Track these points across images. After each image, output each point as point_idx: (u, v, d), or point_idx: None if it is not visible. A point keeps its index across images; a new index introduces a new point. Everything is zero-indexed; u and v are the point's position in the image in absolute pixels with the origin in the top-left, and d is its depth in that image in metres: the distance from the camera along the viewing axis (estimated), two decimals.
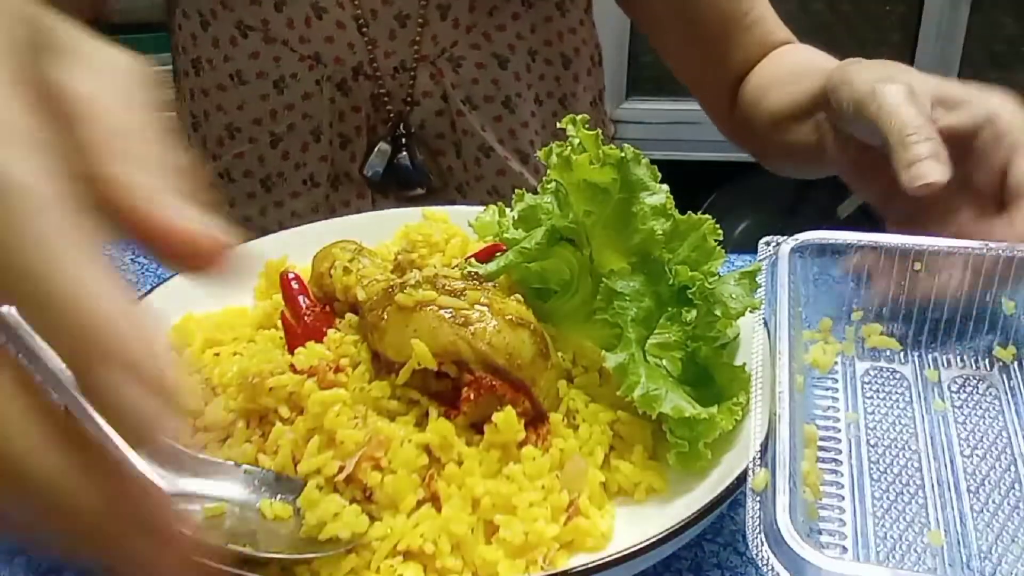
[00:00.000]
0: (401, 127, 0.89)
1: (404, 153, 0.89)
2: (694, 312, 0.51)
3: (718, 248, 0.53)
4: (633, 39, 1.97)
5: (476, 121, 0.90)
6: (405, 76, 0.87)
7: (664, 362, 0.52)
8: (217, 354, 0.57)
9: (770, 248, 0.52)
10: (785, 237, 0.53)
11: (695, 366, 0.52)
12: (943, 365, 0.51)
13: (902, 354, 0.51)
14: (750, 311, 0.51)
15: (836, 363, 0.52)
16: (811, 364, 0.51)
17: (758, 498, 0.39)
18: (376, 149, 0.89)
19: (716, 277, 0.52)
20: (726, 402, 0.49)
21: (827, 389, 0.50)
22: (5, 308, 0.53)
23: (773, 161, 0.92)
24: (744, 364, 0.51)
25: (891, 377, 0.51)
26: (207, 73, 0.88)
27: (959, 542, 0.43)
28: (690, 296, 0.51)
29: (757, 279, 0.52)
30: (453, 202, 0.91)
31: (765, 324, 0.48)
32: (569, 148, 0.52)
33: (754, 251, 0.56)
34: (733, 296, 0.51)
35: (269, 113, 0.88)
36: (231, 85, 0.87)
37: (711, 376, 0.52)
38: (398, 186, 0.90)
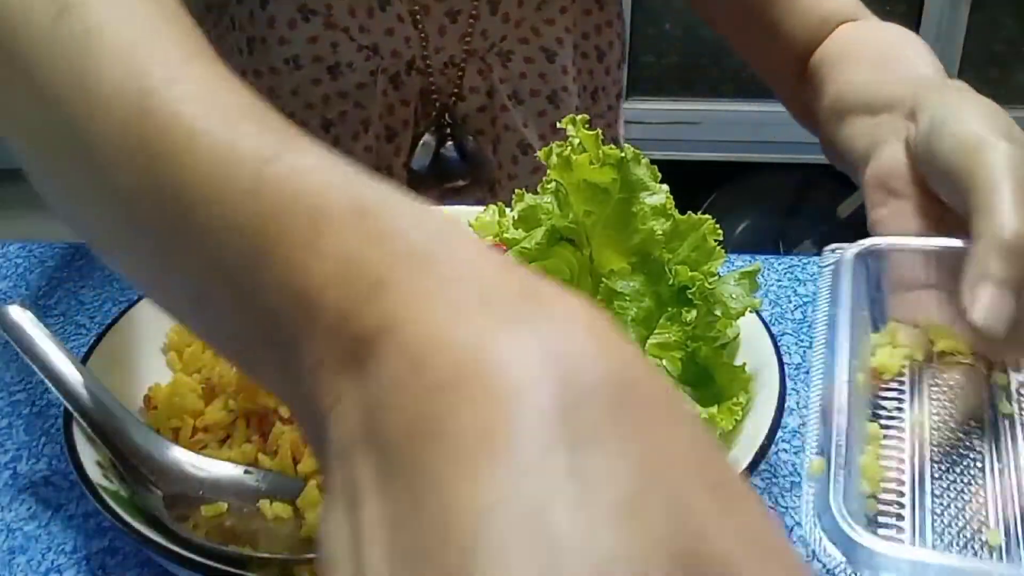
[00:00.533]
0: (447, 117, 0.89)
1: (450, 143, 0.89)
2: (694, 312, 0.51)
3: (718, 248, 0.53)
4: (633, 39, 1.97)
5: (519, 117, 0.90)
6: (454, 71, 0.87)
7: (664, 362, 0.52)
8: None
9: (835, 254, 0.51)
10: (851, 244, 0.52)
11: (695, 366, 0.52)
12: (1013, 369, 0.50)
13: (971, 358, 0.50)
14: (750, 311, 0.52)
15: (904, 366, 0.51)
16: (878, 367, 0.50)
17: (813, 484, 0.39)
18: (421, 143, 0.89)
19: (716, 277, 0.52)
20: (726, 402, 0.49)
21: (893, 391, 0.50)
22: (5, 308, 0.53)
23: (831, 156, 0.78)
24: (744, 364, 0.51)
25: (959, 380, 0.50)
26: (260, 53, 0.88)
27: (1018, 543, 0.43)
28: (690, 296, 0.51)
29: (756, 279, 0.52)
30: (482, 201, 0.87)
31: (828, 325, 0.47)
32: (569, 148, 0.52)
33: (754, 251, 0.56)
34: (733, 296, 0.51)
35: (321, 98, 0.88)
36: (286, 70, 0.87)
37: (711, 376, 0.52)
38: (439, 178, 0.90)
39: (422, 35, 0.86)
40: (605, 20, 0.94)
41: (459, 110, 0.89)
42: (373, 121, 0.88)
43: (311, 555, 0.44)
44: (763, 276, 0.68)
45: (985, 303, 0.44)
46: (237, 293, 0.29)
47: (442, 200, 0.91)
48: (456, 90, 0.88)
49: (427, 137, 0.89)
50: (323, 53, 0.86)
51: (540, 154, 0.54)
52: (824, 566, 0.48)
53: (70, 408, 0.48)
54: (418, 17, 0.85)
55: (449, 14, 0.86)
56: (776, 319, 0.69)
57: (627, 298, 0.51)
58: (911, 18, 1.95)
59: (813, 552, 0.48)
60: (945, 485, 0.45)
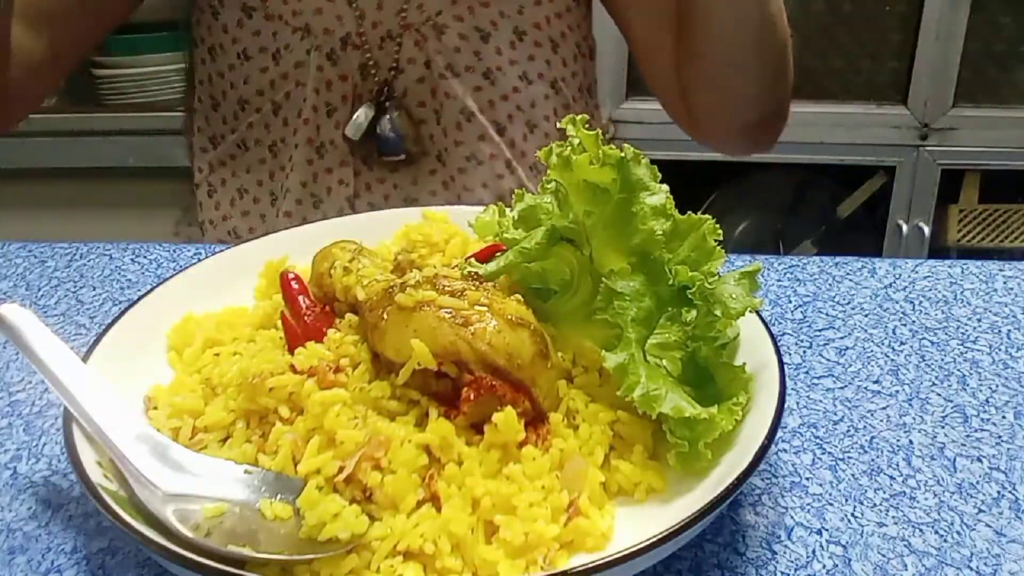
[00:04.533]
0: (385, 91, 0.94)
1: (387, 117, 0.93)
2: (694, 312, 0.51)
3: (718, 248, 0.53)
4: None
5: (457, 87, 0.94)
6: (391, 44, 0.92)
7: (664, 362, 0.52)
8: (217, 354, 0.57)
9: None
10: None
11: (695, 366, 0.52)
12: None
13: None
14: (750, 311, 0.52)
15: None
16: None
17: None
18: (355, 115, 0.94)
19: (716, 277, 0.52)
20: (726, 402, 0.49)
21: None
22: (5, 308, 0.53)
23: (709, 72, 0.90)
24: (744, 364, 0.51)
25: None
26: (220, 57, 0.96)
27: None
28: (690, 296, 0.51)
29: (756, 279, 0.52)
30: (433, 172, 0.97)
31: None
32: (569, 148, 0.52)
33: (754, 251, 0.56)
34: (733, 296, 0.51)
35: (269, 84, 0.95)
36: (238, 63, 0.95)
37: (711, 376, 0.52)
38: (379, 152, 0.95)
39: (357, 11, 0.91)
40: (554, 11, 0.97)
41: (399, 83, 0.94)
42: (309, 95, 0.93)
43: (311, 555, 0.44)
44: (763, 276, 0.68)
45: None
46: None
47: (392, 172, 0.96)
48: (395, 63, 0.93)
49: (362, 109, 0.93)
50: (266, 43, 0.93)
51: (540, 154, 0.54)
52: (823, 566, 0.48)
53: (70, 408, 0.48)
54: None
55: None
56: (776, 319, 0.69)
57: (627, 298, 0.51)
58: (911, 18, 1.95)
59: (813, 552, 0.49)
60: None
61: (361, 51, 0.92)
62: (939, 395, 0.61)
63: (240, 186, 1.01)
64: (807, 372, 0.63)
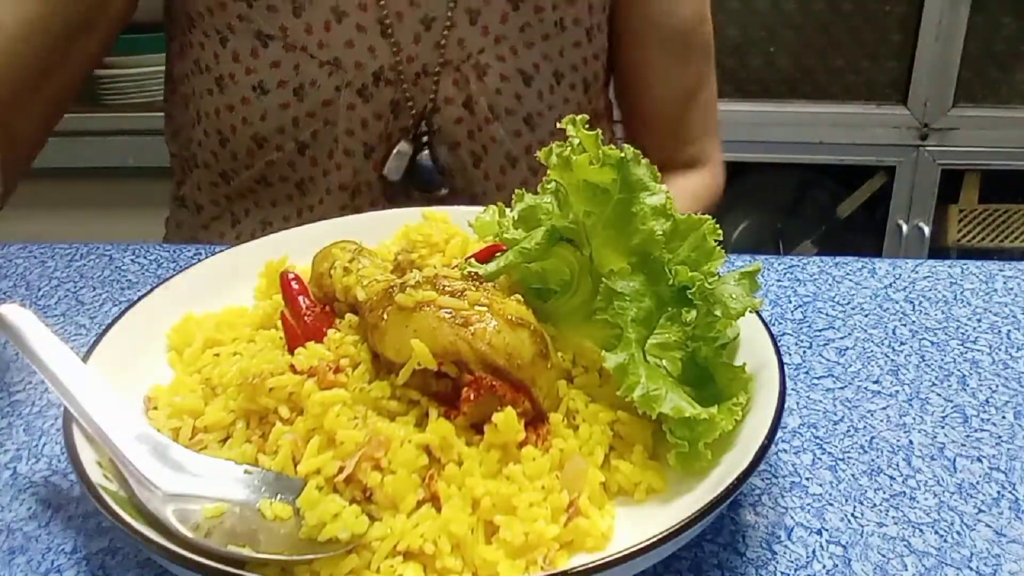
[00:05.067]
0: (424, 125, 0.88)
1: (426, 152, 0.88)
2: (694, 312, 0.51)
3: (718, 248, 0.53)
4: None
5: (499, 131, 0.90)
6: (428, 81, 0.86)
7: (664, 362, 0.52)
8: (217, 354, 0.57)
9: None
10: None
11: (695, 366, 0.52)
12: None
13: None
14: (750, 311, 0.52)
15: None
16: None
17: None
18: (395, 150, 0.88)
19: (716, 277, 0.52)
20: (726, 402, 0.49)
21: None
22: (5, 308, 0.53)
23: None
24: (744, 364, 0.51)
25: None
26: (230, 89, 0.88)
27: None
28: (690, 296, 0.51)
29: (756, 280, 0.52)
30: None
31: None
32: (569, 148, 0.52)
33: (754, 251, 0.56)
34: (733, 296, 0.51)
35: (292, 121, 0.87)
36: (253, 97, 0.87)
37: (711, 376, 0.52)
38: (419, 187, 0.88)
39: (393, 44, 0.84)
40: (592, 52, 0.94)
41: (436, 121, 0.88)
42: (341, 137, 0.87)
43: (311, 556, 0.44)
44: (763, 276, 0.68)
45: None
46: None
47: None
48: (431, 101, 0.87)
49: (402, 145, 0.88)
50: (287, 76, 0.85)
51: (540, 154, 0.54)
52: (823, 566, 0.48)
53: (70, 408, 0.48)
54: (388, 24, 0.84)
55: (424, 21, 0.85)
56: (776, 319, 0.69)
57: (627, 298, 0.51)
58: (911, 18, 1.95)
59: (813, 552, 0.49)
60: None
61: (395, 87, 0.86)
62: (939, 395, 0.61)
63: (264, 218, 0.94)
64: (807, 372, 0.63)
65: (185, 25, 0.90)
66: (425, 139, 0.88)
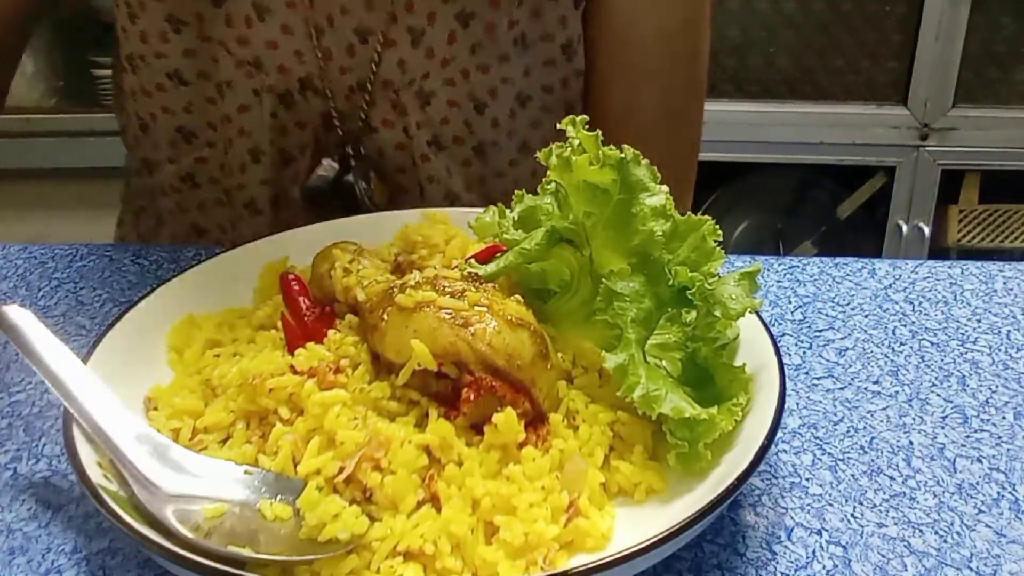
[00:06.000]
0: (350, 148, 0.78)
1: (350, 176, 0.78)
2: (694, 313, 0.51)
3: (718, 249, 0.53)
4: None
5: (442, 164, 0.80)
6: (359, 98, 0.77)
7: (664, 363, 0.52)
8: (217, 355, 0.57)
9: None
10: None
11: (695, 367, 0.52)
12: None
13: None
14: (750, 312, 0.52)
15: None
16: None
17: None
18: (321, 163, 0.79)
19: (716, 278, 0.52)
20: (726, 403, 0.49)
21: None
22: (5, 308, 0.53)
23: None
24: (744, 364, 0.52)
25: None
26: (143, 71, 0.79)
27: None
28: (690, 297, 0.51)
29: (756, 280, 0.52)
30: None
31: None
32: (569, 149, 0.52)
33: (754, 252, 0.56)
34: (733, 297, 0.51)
35: (222, 119, 0.79)
36: (171, 85, 0.78)
37: (711, 377, 0.52)
38: (344, 209, 0.75)
39: (320, 52, 0.75)
40: (574, 70, 0.83)
41: (372, 143, 0.79)
42: (264, 147, 0.78)
43: (311, 556, 0.44)
44: (763, 277, 0.68)
45: None
46: None
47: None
48: (362, 119, 0.77)
49: (326, 162, 0.79)
50: (206, 68, 0.77)
51: (540, 155, 0.54)
52: (823, 566, 0.48)
53: (70, 408, 0.48)
54: (317, 30, 0.74)
55: (358, 31, 0.74)
56: (776, 319, 0.69)
57: (627, 299, 0.51)
58: (911, 18, 1.95)
59: (813, 553, 0.49)
60: None
61: (324, 99, 0.76)
62: (939, 396, 0.61)
63: (194, 222, 0.85)
64: (807, 373, 0.63)
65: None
66: (353, 161, 0.78)
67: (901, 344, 0.66)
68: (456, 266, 0.57)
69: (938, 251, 2.15)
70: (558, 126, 0.54)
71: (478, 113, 0.79)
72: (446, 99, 0.77)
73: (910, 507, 0.52)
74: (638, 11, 0.81)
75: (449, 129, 0.79)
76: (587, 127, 0.52)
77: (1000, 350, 0.66)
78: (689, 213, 0.53)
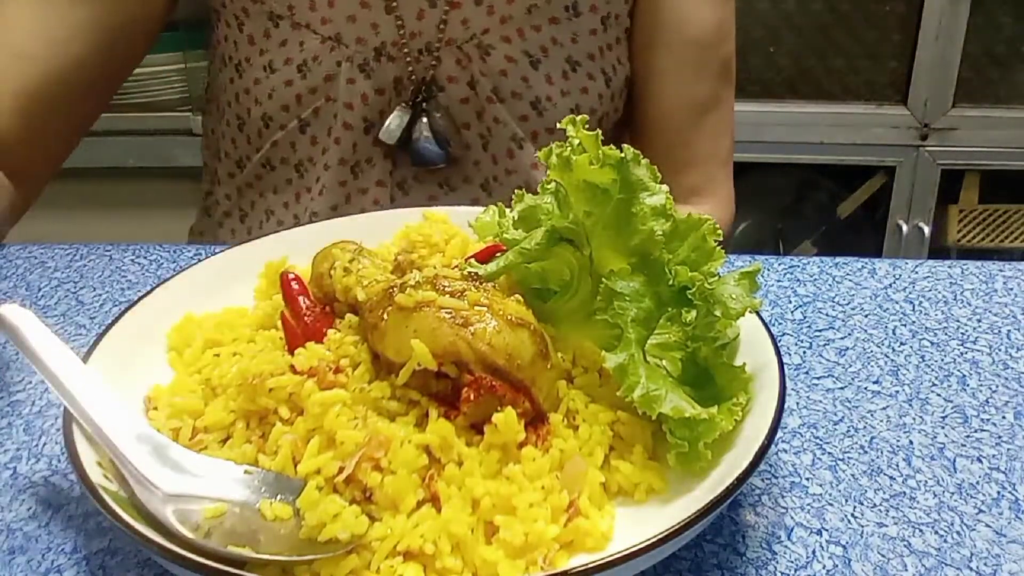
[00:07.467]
0: (423, 93, 0.87)
1: (424, 121, 0.87)
2: (694, 313, 0.51)
3: (718, 248, 0.53)
4: None
5: (504, 113, 0.89)
6: (430, 59, 0.86)
7: (664, 362, 0.52)
8: (217, 354, 0.57)
9: None
10: None
11: (695, 366, 0.52)
12: None
13: None
14: (750, 311, 0.52)
15: None
16: None
17: None
18: (393, 113, 0.87)
19: (716, 278, 0.52)
20: (726, 402, 0.49)
21: None
22: (5, 308, 0.53)
23: None
24: (744, 364, 0.51)
25: None
26: (247, 72, 0.90)
27: None
28: (690, 296, 0.51)
29: (756, 280, 0.52)
30: (477, 200, 0.90)
31: None
32: (569, 148, 0.52)
33: (754, 251, 0.56)
34: (733, 296, 0.51)
35: (295, 98, 0.88)
36: (263, 76, 0.88)
37: (711, 376, 0.52)
38: (418, 161, 0.87)
39: (397, 20, 0.85)
40: (606, 42, 0.92)
41: (440, 100, 0.87)
42: (342, 112, 0.87)
43: (311, 556, 0.44)
44: (763, 276, 0.68)
45: None
46: None
47: (432, 199, 0.90)
48: (432, 78, 0.87)
49: (396, 112, 0.87)
50: (292, 54, 0.87)
51: (540, 154, 0.54)
52: (823, 566, 0.48)
53: (70, 408, 0.48)
54: (393, 1, 0.84)
55: None
56: (776, 319, 0.69)
57: (627, 298, 0.51)
58: (911, 18, 1.95)
59: (813, 552, 0.49)
60: None
61: (397, 64, 0.86)
62: (939, 395, 0.61)
63: (267, 207, 0.95)
64: (807, 372, 0.63)
65: (213, 23, 0.93)
66: (424, 106, 0.87)
67: (901, 344, 0.66)
68: (456, 266, 0.57)
69: (938, 251, 2.15)
70: (558, 125, 0.54)
71: (533, 69, 0.88)
72: (504, 54, 0.87)
73: (910, 507, 0.52)
74: (690, 8, 0.94)
75: (507, 82, 0.87)
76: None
77: (1000, 350, 0.66)
78: (689, 212, 0.53)
